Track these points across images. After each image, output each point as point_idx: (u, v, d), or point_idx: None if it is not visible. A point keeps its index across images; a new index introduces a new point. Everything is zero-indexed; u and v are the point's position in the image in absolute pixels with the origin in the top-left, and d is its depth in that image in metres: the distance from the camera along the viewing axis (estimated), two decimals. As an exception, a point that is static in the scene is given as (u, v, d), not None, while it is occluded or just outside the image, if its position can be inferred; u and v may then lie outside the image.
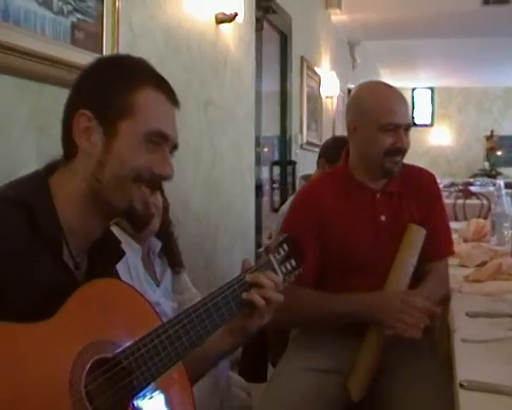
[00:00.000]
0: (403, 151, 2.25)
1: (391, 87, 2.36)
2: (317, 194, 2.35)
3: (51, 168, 1.34)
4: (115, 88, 1.31)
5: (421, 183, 2.37)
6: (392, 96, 2.30)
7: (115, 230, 1.87)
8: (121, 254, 1.46)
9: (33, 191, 1.27)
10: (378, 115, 2.23)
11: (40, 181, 1.31)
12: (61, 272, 1.26)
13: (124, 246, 1.94)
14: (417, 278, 2.26)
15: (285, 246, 1.63)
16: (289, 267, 1.62)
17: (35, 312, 1.14)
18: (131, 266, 2.17)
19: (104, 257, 1.40)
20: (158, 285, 2.30)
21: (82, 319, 1.20)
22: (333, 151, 3.39)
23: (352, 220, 2.26)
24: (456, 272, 2.64)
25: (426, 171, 2.45)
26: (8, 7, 1.95)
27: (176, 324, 1.31)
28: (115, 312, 1.28)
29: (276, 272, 1.56)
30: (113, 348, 1.20)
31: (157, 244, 2.35)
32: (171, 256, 2.41)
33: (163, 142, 1.33)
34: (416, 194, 2.33)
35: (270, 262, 1.57)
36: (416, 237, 2.23)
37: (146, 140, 1.30)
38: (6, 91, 2.04)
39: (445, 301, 2.36)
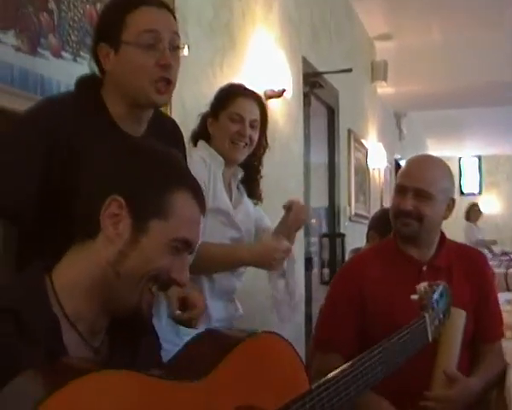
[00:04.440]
0: (407, 214, 2.24)
1: (427, 156, 2.51)
2: (360, 267, 2.37)
3: (54, 260, 1.29)
4: (155, 183, 1.26)
5: (473, 264, 2.34)
6: (414, 162, 2.38)
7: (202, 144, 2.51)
8: (147, 328, 1.40)
9: (24, 290, 1.21)
10: (396, 179, 2.38)
11: (35, 276, 1.25)
12: None
13: (207, 155, 2.40)
14: (472, 359, 2.25)
15: (438, 298, 1.70)
16: (437, 323, 1.67)
17: None
18: (212, 172, 2.43)
19: (127, 333, 1.33)
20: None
21: (236, 379, 1.20)
22: (383, 223, 3.39)
23: (396, 293, 2.24)
24: (510, 345, 2.60)
25: (478, 251, 2.45)
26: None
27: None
28: (267, 373, 1.26)
29: (426, 336, 1.60)
30: None
31: (240, 172, 2.58)
32: (252, 186, 2.66)
33: (186, 249, 1.30)
34: (468, 274, 2.30)
35: (424, 324, 1.63)
36: (459, 321, 2.13)
37: (172, 244, 1.26)
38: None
39: (500, 378, 2.33)
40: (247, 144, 2.48)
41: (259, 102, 2.59)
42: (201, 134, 2.57)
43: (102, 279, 1.25)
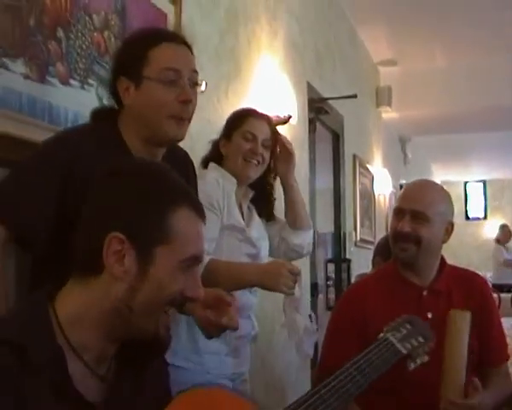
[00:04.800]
0: (405, 237, 2.26)
1: (424, 180, 2.52)
2: (362, 292, 2.39)
3: (57, 286, 1.27)
4: (153, 209, 1.22)
5: (473, 287, 2.35)
6: (412, 185, 2.43)
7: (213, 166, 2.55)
8: (155, 353, 1.35)
9: (27, 321, 1.18)
10: (395, 202, 2.40)
11: (38, 306, 1.22)
12: (64, 404, 1.16)
13: (220, 176, 2.47)
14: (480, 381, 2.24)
15: (407, 326, 1.70)
16: (415, 343, 1.67)
17: None
18: (226, 192, 2.45)
19: (134, 358, 1.30)
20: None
21: None
22: (388, 249, 3.39)
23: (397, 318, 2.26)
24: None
25: (477, 275, 2.45)
26: (78, 119, 2.06)
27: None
28: None
29: (396, 349, 1.62)
30: None
31: (250, 192, 2.61)
32: (266, 207, 2.71)
33: (196, 264, 1.28)
34: (468, 298, 2.30)
35: (388, 340, 1.63)
36: (463, 324, 2.13)
37: (181, 265, 1.24)
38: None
39: (509, 400, 2.33)
40: (259, 162, 2.53)
41: (271, 125, 2.66)
42: (212, 157, 2.61)
43: (113, 314, 1.22)
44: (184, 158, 2.10)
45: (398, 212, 2.31)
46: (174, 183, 1.31)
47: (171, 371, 2.18)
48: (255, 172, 2.54)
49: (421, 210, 2.26)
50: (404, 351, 1.67)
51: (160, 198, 1.24)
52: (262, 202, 2.69)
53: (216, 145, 2.63)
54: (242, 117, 2.59)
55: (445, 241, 2.35)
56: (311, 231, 2.85)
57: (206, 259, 2.19)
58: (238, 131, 2.54)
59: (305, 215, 2.78)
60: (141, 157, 1.73)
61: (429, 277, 2.32)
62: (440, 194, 2.36)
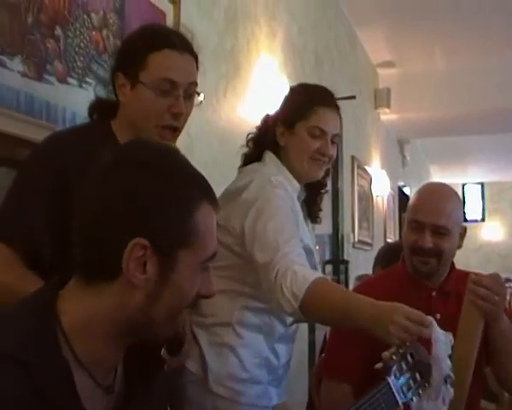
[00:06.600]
0: (426, 252, 2.20)
1: (439, 186, 2.37)
2: (368, 292, 2.35)
3: (58, 285, 1.14)
4: (179, 209, 1.09)
5: None
6: (427, 194, 2.29)
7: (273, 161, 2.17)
8: (161, 361, 1.29)
9: (28, 334, 1.05)
10: (408, 211, 2.27)
11: (39, 311, 1.09)
12: None
13: (284, 180, 2.13)
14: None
15: (408, 358, 1.51)
16: (413, 385, 1.49)
17: None
18: (295, 202, 2.14)
19: (143, 365, 1.23)
20: None
21: None
22: (388, 259, 3.37)
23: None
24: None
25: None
26: (76, 118, 2.05)
27: None
28: None
29: (395, 399, 1.44)
30: None
31: (303, 193, 2.29)
32: (313, 206, 2.35)
33: (211, 261, 1.17)
34: None
35: (388, 386, 1.45)
36: (478, 322, 2.09)
37: (201, 266, 1.14)
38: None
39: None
40: (325, 162, 2.21)
41: (339, 111, 2.26)
42: (268, 142, 2.22)
43: (129, 324, 1.11)
44: None
45: (418, 225, 2.21)
46: (195, 173, 1.17)
47: (207, 398, 2.06)
48: (321, 173, 2.22)
49: (443, 225, 2.19)
50: (400, 403, 1.48)
51: (186, 195, 1.11)
52: (312, 203, 2.36)
53: (268, 127, 2.24)
54: (309, 106, 2.16)
55: (460, 246, 2.30)
56: None
57: (314, 274, 1.89)
58: (303, 123, 2.15)
59: None
60: (147, 140, 1.48)
61: (440, 279, 2.29)
62: (456, 201, 2.30)
